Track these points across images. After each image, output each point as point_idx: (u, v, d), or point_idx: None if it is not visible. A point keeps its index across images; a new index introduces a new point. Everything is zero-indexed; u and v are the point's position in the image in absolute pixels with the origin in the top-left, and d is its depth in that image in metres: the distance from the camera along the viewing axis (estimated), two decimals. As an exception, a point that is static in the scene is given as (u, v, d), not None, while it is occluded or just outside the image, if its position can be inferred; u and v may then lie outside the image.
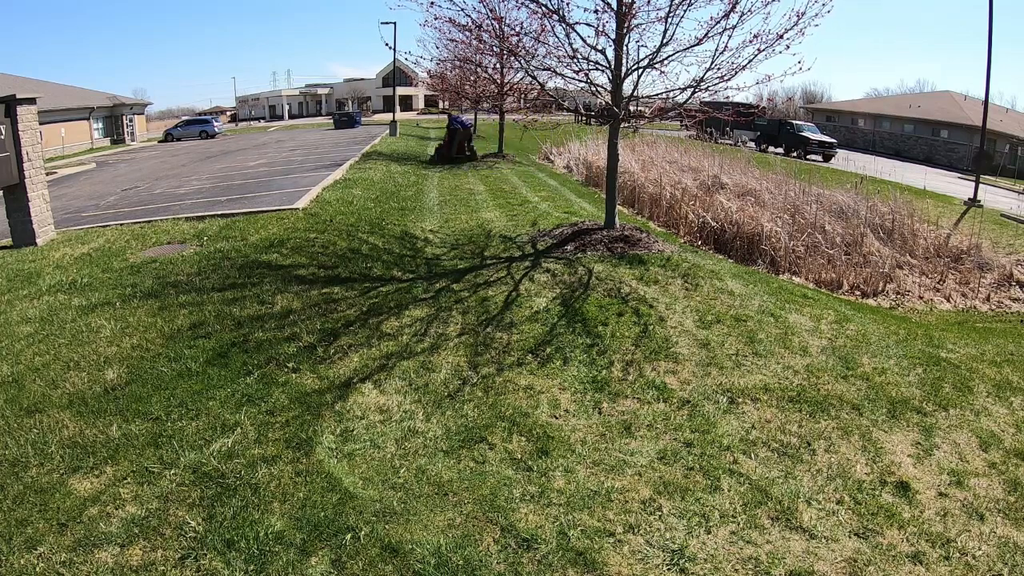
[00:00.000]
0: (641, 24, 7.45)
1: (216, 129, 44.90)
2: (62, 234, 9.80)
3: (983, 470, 3.92)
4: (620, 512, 3.43)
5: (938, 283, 9.48)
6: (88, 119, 37.99)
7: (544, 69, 8.17)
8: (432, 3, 7.84)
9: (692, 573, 3.04)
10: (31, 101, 9.24)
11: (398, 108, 41.43)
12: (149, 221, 10.24)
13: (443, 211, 11.34)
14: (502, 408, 4.42)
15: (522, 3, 7.85)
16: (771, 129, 32.51)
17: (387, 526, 3.28)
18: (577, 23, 7.47)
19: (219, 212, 10.51)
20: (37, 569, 2.96)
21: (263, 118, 72.26)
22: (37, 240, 9.21)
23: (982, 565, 3.15)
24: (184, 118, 52.97)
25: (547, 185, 15.50)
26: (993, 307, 8.80)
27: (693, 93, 7.74)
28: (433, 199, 12.73)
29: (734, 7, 6.85)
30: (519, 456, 3.91)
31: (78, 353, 5.13)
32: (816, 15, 6.79)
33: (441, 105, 61.10)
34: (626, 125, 8.47)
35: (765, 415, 4.40)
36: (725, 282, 6.82)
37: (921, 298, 8.90)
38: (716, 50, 7.13)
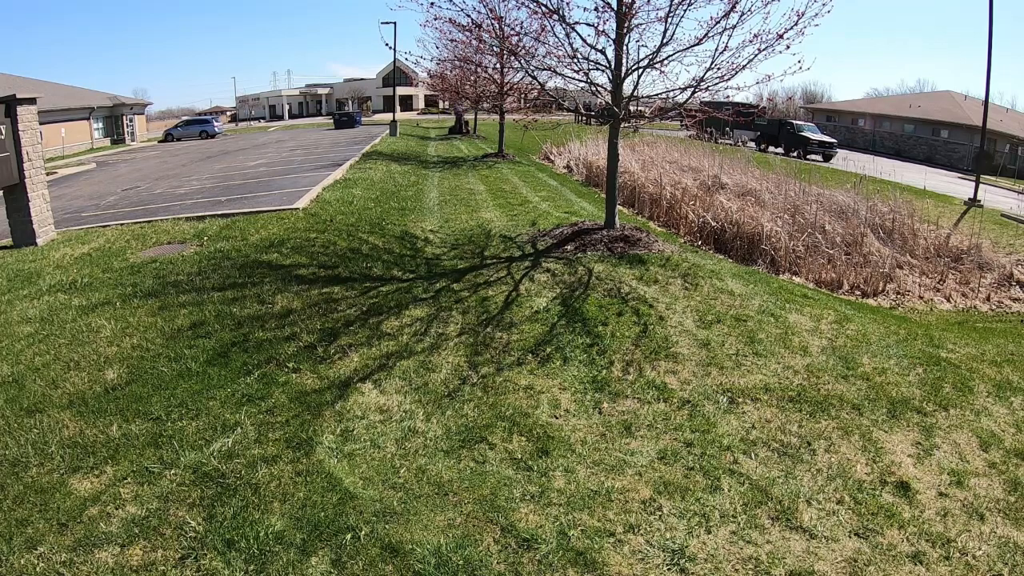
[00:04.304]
0: (641, 24, 7.46)
1: (216, 129, 44.90)
2: (62, 234, 9.80)
3: (983, 470, 3.92)
4: (620, 512, 3.43)
5: (938, 283, 9.47)
6: (88, 119, 37.99)
7: (544, 69, 8.18)
8: (432, 3, 7.85)
9: (692, 573, 3.04)
10: (31, 101, 9.24)
11: (398, 108, 41.44)
12: (149, 221, 10.24)
13: (443, 211, 11.34)
14: (502, 408, 4.42)
15: (522, 3, 7.86)
16: (771, 129, 32.50)
17: (387, 526, 3.28)
18: (577, 23, 7.48)
19: (219, 212, 10.51)
20: (37, 569, 2.96)
21: (263, 118, 72.24)
22: (37, 240, 9.21)
23: (982, 565, 3.15)
24: (184, 118, 52.97)
25: (547, 185, 15.50)
26: (993, 307, 8.80)
27: (693, 93, 7.74)
28: (433, 199, 12.73)
29: (734, 7, 6.85)
30: (519, 456, 3.91)
31: (78, 353, 5.13)
32: (816, 15, 6.79)
33: (441, 105, 61.26)
34: (626, 125, 8.47)
35: (765, 415, 4.40)
36: (725, 282, 6.81)
37: (921, 298, 8.89)
38: (716, 50, 7.14)
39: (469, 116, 34.72)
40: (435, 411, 4.40)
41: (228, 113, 76.93)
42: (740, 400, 4.57)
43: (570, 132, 22.88)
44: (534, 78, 8.33)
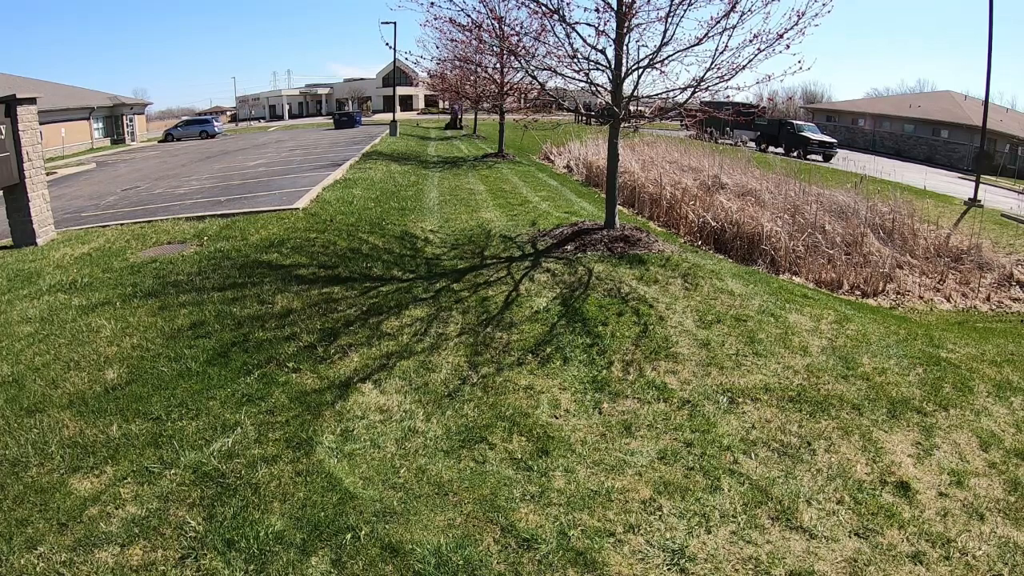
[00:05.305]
0: (641, 24, 7.47)
1: (216, 129, 44.89)
2: (62, 234, 9.80)
3: (983, 470, 3.92)
4: (620, 512, 3.43)
5: (938, 283, 9.47)
6: (88, 119, 37.98)
7: (544, 69, 8.18)
8: (432, 3, 7.85)
9: (692, 573, 3.04)
10: (31, 101, 9.24)
11: (398, 108, 41.43)
12: (149, 221, 10.24)
13: (443, 211, 11.34)
14: (502, 408, 4.42)
15: (522, 3, 7.87)
16: (771, 129, 32.51)
17: (387, 526, 3.28)
18: (577, 23, 7.48)
19: (219, 212, 10.51)
20: (37, 569, 2.96)
21: (263, 118, 72.22)
22: (37, 240, 9.21)
23: (982, 565, 3.15)
24: (184, 118, 52.95)
25: (547, 185, 15.50)
26: (993, 307, 8.80)
27: (693, 93, 7.74)
28: (433, 199, 12.73)
29: (734, 7, 6.85)
30: (519, 456, 3.91)
31: (78, 353, 5.13)
32: (816, 15, 6.79)
33: (441, 105, 61.46)
34: (626, 125, 8.47)
35: (765, 415, 4.40)
36: (725, 282, 6.81)
37: (921, 298, 8.89)
38: (716, 50, 7.14)
39: (469, 115, 36.03)
40: (435, 411, 4.40)
41: (228, 113, 76.89)
42: (740, 400, 4.57)
43: (570, 132, 22.88)
44: (534, 78, 8.33)
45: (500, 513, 3.39)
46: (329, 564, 3.02)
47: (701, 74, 7.44)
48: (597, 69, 7.82)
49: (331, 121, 49.01)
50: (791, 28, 6.86)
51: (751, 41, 7.01)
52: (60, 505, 3.37)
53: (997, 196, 20.21)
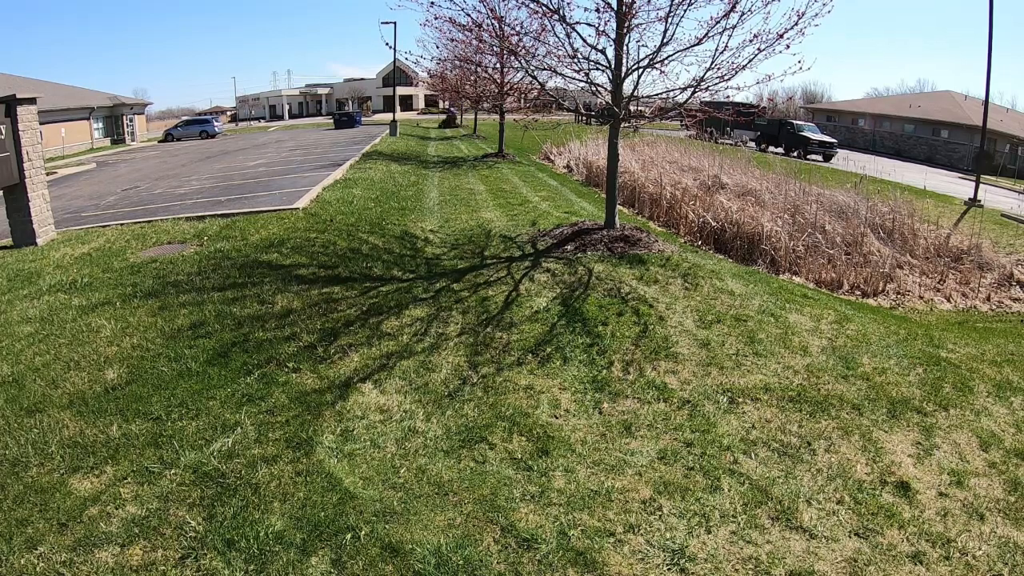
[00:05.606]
0: (641, 24, 7.46)
1: (216, 129, 44.90)
2: (62, 234, 9.80)
3: (983, 470, 3.92)
4: (620, 512, 3.43)
5: (938, 283, 9.47)
6: (88, 119, 37.99)
7: (544, 69, 8.18)
8: (432, 3, 7.86)
9: (692, 573, 3.04)
10: (31, 101, 9.24)
11: (398, 108, 41.43)
12: (149, 221, 10.24)
13: (443, 211, 11.34)
14: (502, 408, 4.42)
15: (522, 3, 7.86)
16: (771, 129, 32.50)
17: (387, 526, 3.28)
18: (577, 23, 7.48)
19: (219, 212, 10.51)
20: (37, 569, 2.96)
21: (263, 118, 72.22)
22: (37, 240, 9.21)
23: (982, 565, 3.14)
24: (184, 118, 52.96)
25: (547, 185, 15.50)
26: (993, 307, 8.80)
27: (693, 93, 7.74)
28: (433, 199, 12.73)
29: (734, 7, 6.85)
30: (519, 456, 3.91)
31: (78, 353, 5.13)
32: (816, 15, 6.79)
33: (441, 105, 61.55)
34: (626, 125, 8.47)
35: (765, 415, 4.40)
36: (725, 282, 6.81)
37: (921, 298, 8.89)
38: (716, 50, 7.14)
39: (469, 115, 36.69)
40: (435, 411, 4.40)
41: (228, 113, 76.89)
42: (740, 400, 4.57)
43: (570, 132, 22.88)
44: (534, 78, 8.33)
45: (500, 513, 3.39)
46: (329, 564, 3.02)
47: (701, 74, 7.45)
48: (597, 69, 7.83)
49: (331, 121, 49.02)
50: (791, 28, 6.86)
51: (751, 41, 7.01)
52: (60, 505, 3.37)
53: (997, 196, 20.20)
